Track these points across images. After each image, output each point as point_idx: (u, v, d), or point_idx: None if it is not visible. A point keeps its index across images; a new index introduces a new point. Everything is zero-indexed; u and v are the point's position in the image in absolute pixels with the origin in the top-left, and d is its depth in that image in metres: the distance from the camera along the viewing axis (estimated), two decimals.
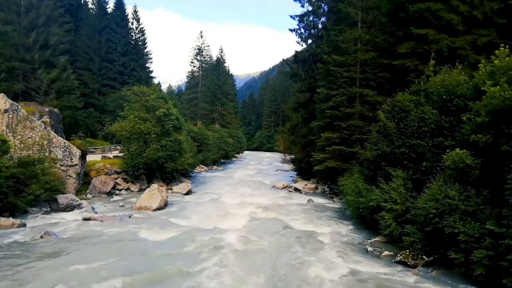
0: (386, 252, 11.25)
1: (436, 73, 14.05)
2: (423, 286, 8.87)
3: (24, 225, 13.40)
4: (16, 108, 18.64)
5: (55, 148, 19.34)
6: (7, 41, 25.80)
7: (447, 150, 10.57)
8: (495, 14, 17.17)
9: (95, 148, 31.37)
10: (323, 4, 29.01)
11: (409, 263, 10.15)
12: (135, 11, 51.04)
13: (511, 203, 8.13)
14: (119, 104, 31.79)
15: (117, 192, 22.22)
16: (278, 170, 42.90)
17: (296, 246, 12.07)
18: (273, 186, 27.38)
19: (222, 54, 70.92)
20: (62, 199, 16.69)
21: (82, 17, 45.71)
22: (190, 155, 29.85)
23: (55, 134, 19.83)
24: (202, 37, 68.85)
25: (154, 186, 19.08)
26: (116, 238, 12.30)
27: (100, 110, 42.91)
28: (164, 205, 18.22)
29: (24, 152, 17.92)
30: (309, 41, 30.89)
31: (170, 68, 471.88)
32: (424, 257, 10.22)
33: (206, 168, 41.54)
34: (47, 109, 22.04)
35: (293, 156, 34.95)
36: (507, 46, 10.41)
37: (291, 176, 34.19)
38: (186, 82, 79.64)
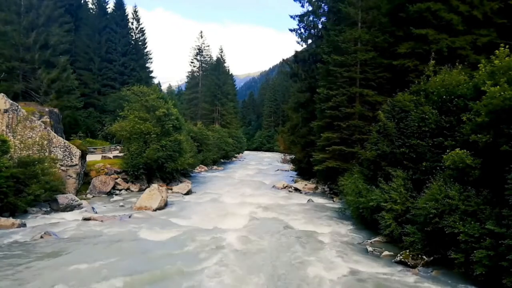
0: (386, 252, 11.25)
1: (436, 73, 14.05)
2: (423, 286, 8.88)
3: (24, 225, 13.40)
4: (16, 108, 18.64)
5: (55, 148, 19.34)
6: (7, 41, 25.80)
7: (447, 150, 10.57)
8: (495, 14, 17.17)
9: (95, 148, 31.37)
10: (323, 4, 29.02)
11: (409, 263, 10.15)
12: (135, 11, 51.09)
13: (511, 203, 8.13)
14: (119, 104, 31.80)
15: (117, 192, 22.22)
16: (278, 170, 42.90)
17: (296, 246, 12.08)
18: (273, 186, 27.38)
19: (222, 54, 71.00)
20: (62, 199, 16.69)
21: (82, 17, 45.72)
22: (190, 155, 29.85)
23: (55, 134, 19.82)
24: (202, 37, 68.94)
25: (154, 186, 19.08)
26: (116, 238, 12.29)
27: (100, 110, 42.91)
28: (164, 205, 18.22)
29: (24, 152, 17.92)
30: (309, 41, 30.91)
31: (170, 68, 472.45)
32: (424, 257, 10.22)
33: (206, 168, 41.54)
34: (47, 109, 22.04)
35: (293, 156, 34.96)
36: (507, 46, 10.41)
37: (291, 176, 34.19)
38: (186, 82, 79.65)
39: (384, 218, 11.96)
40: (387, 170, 13.08)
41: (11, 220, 13.34)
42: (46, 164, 17.09)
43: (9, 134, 17.95)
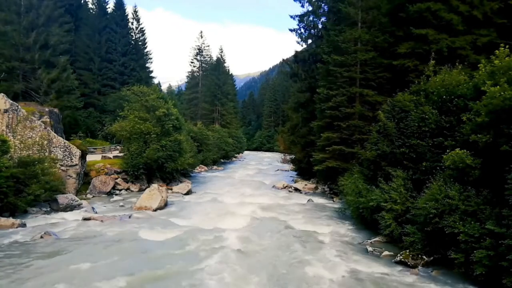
0: (386, 252, 11.25)
1: (436, 73, 14.05)
2: (423, 286, 8.88)
3: (24, 225, 13.40)
4: (16, 108, 18.64)
5: (55, 148, 19.34)
6: (7, 41, 25.80)
7: (447, 150, 10.57)
8: (495, 14, 17.17)
9: (95, 148, 31.37)
10: (323, 4, 29.01)
11: (409, 263, 10.15)
12: (135, 11, 51.09)
13: (511, 203, 8.13)
14: (119, 104, 31.79)
15: (117, 192, 22.22)
16: (278, 170, 42.90)
17: (296, 245, 12.08)
18: (273, 186, 27.38)
19: (222, 54, 70.98)
20: (62, 199, 16.69)
21: (82, 17, 45.72)
22: (190, 155, 29.85)
23: (55, 134, 19.82)
24: (202, 37, 68.92)
25: (154, 186, 19.08)
26: (116, 238, 12.29)
27: (100, 110, 42.91)
28: (164, 205, 18.23)
29: (24, 152, 17.92)
30: (309, 41, 30.89)
31: (170, 68, 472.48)
32: (424, 257, 10.22)
33: (206, 168, 41.54)
34: (47, 109, 22.04)
35: (293, 156, 34.95)
36: (507, 46, 10.42)
37: (291, 176, 34.19)
38: (186, 82, 79.64)
39: (384, 218, 11.96)
40: (387, 170, 13.08)
41: (11, 220, 13.34)
42: (46, 164, 17.09)
43: (9, 134, 17.95)
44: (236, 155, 64.96)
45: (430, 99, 13.07)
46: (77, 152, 19.79)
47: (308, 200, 21.18)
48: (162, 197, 18.15)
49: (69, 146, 19.75)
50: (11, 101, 18.74)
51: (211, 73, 65.97)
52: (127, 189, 23.00)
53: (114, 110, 35.67)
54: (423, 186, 11.20)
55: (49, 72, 27.35)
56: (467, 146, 9.96)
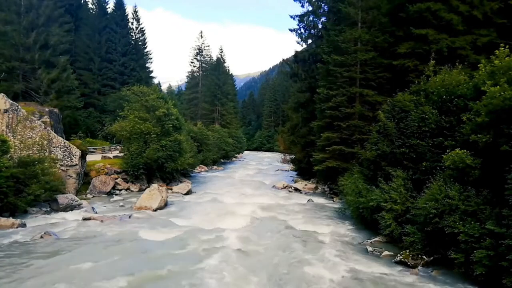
0: (386, 252, 11.25)
1: (436, 73, 14.05)
2: (423, 286, 8.88)
3: (24, 225, 13.41)
4: (16, 108, 18.64)
5: (55, 148, 19.35)
6: (7, 41, 25.80)
7: (447, 150, 10.57)
8: (495, 14, 17.17)
9: (95, 148, 31.37)
10: (323, 4, 29.01)
11: (409, 263, 10.15)
12: (135, 11, 51.08)
13: (511, 203, 8.13)
14: (119, 104, 31.80)
15: (117, 192, 22.22)
16: (278, 170, 42.90)
17: (296, 245, 12.08)
18: (273, 186, 27.38)
19: (222, 54, 70.99)
20: (62, 199, 16.70)
21: (82, 17, 45.72)
22: (190, 155, 29.85)
23: (55, 134, 19.83)
24: (202, 37, 68.94)
25: (154, 186, 19.08)
26: (116, 238, 12.30)
27: (100, 110, 42.91)
28: (164, 205, 18.23)
29: (24, 152, 17.92)
30: (309, 41, 30.89)
31: (170, 68, 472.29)
32: (424, 257, 10.22)
33: (206, 168, 41.54)
34: (47, 109, 22.04)
35: (293, 156, 34.95)
36: (507, 46, 10.41)
37: (291, 176, 34.19)
38: (186, 82, 79.64)
39: (384, 218, 11.96)
40: (387, 170, 13.08)
41: (11, 220, 13.34)
42: (46, 164, 17.09)
43: (9, 134, 17.95)
44: (236, 155, 64.97)
45: (430, 99, 13.07)
46: (77, 152, 19.79)
47: (308, 200, 21.18)
48: (162, 197, 18.15)
49: (69, 146, 19.75)
50: (11, 101, 18.74)
51: (211, 73, 65.97)
52: (127, 189, 23.00)
53: (114, 110, 35.67)
54: (423, 186, 11.20)
55: (49, 72, 27.35)
56: (467, 146, 9.96)
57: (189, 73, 71.42)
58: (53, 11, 29.49)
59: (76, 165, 19.72)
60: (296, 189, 25.77)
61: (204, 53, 69.23)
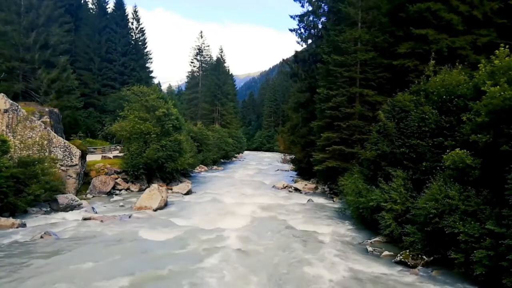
0: (386, 252, 11.25)
1: (436, 73, 14.05)
2: (423, 286, 8.88)
3: (24, 225, 13.41)
4: (16, 108, 18.64)
5: (55, 148, 19.35)
6: (7, 41, 25.81)
7: (447, 150, 10.57)
8: (495, 14, 17.17)
9: (95, 148, 31.37)
10: (323, 4, 29.01)
11: (409, 263, 10.15)
12: (135, 11, 51.09)
13: (511, 203, 8.13)
14: (119, 104, 31.80)
15: (117, 192, 22.22)
16: (278, 170, 42.90)
17: (296, 245, 12.09)
18: (273, 186, 27.38)
19: (222, 54, 70.99)
20: (62, 199, 16.70)
21: (82, 17, 45.72)
22: (190, 155, 29.85)
23: (55, 134, 19.83)
24: (202, 37, 68.94)
25: (154, 186, 19.08)
26: (116, 238, 12.30)
27: (100, 110, 42.91)
28: (164, 205, 18.23)
29: (24, 152, 17.92)
30: (309, 41, 30.89)
31: (170, 68, 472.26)
32: (424, 257, 10.22)
33: (206, 168, 41.54)
34: (47, 109, 22.04)
35: (293, 156, 34.95)
36: (507, 46, 10.41)
37: (291, 176, 34.19)
38: (186, 82, 79.64)
39: (384, 218, 11.95)
40: (387, 170, 13.07)
41: (11, 220, 13.34)
42: (46, 164, 17.09)
43: (9, 134, 17.95)
44: (236, 155, 64.97)
45: (430, 99, 13.07)
46: (77, 152, 19.79)
47: (308, 200, 21.18)
48: (162, 197, 18.15)
49: (69, 146, 19.75)
50: (11, 101, 18.74)
51: (211, 73, 65.98)
52: (127, 189, 23.00)
53: (114, 110, 35.68)
54: (423, 186, 11.20)
55: (49, 72, 27.35)
56: (467, 146, 9.96)
57: (189, 73, 71.45)
58: (53, 11, 29.49)
59: (76, 165, 19.72)
60: (296, 189, 25.77)
61: (204, 53, 69.28)
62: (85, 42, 44.02)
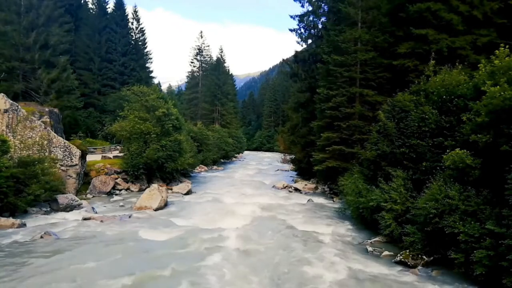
0: (386, 252, 11.25)
1: (436, 73, 14.05)
2: (423, 286, 8.88)
3: (24, 225, 13.41)
4: (16, 108, 18.64)
5: (55, 148, 19.35)
6: (7, 41, 25.80)
7: (447, 150, 10.57)
8: (495, 14, 17.17)
9: (95, 148, 31.37)
10: (323, 4, 29.01)
11: (409, 263, 10.15)
12: (135, 11, 51.08)
13: (511, 203, 8.13)
14: (119, 104, 31.80)
15: (117, 192, 22.22)
16: (278, 170, 42.90)
17: (296, 245, 12.09)
18: (273, 186, 27.38)
19: (222, 54, 71.01)
20: (62, 199, 16.69)
21: (82, 17, 45.72)
22: (190, 155, 29.85)
23: (55, 134, 19.83)
24: (202, 37, 68.94)
25: (154, 186, 19.08)
26: (116, 238, 12.30)
27: (100, 110, 42.91)
28: (164, 205, 18.23)
29: (24, 152, 17.92)
30: (309, 41, 30.89)
31: (170, 68, 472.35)
32: (424, 257, 10.22)
33: (206, 168, 41.54)
34: (47, 109, 22.04)
35: (293, 156, 34.95)
36: (507, 46, 10.41)
37: (291, 176, 34.19)
38: (186, 82, 79.64)
39: (384, 218, 11.96)
40: (387, 170, 13.07)
41: (11, 220, 13.34)
42: (46, 164, 17.08)
43: (9, 134, 17.95)
44: (236, 155, 64.97)
45: (430, 99, 13.07)
46: (77, 152, 19.79)
47: (308, 200, 21.18)
48: (162, 197, 18.15)
49: (69, 146, 19.75)
50: (11, 101, 18.74)
51: (211, 73, 65.98)
52: (127, 189, 23.00)
53: (114, 110, 35.67)
54: (423, 186, 11.20)
55: (49, 72, 27.34)
56: (467, 146, 9.96)
57: (189, 73, 71.45)
58: (53, 11, 29.48)
59: (76, 165, 19.72)
60: (296, 189, 25.77)
61: (204, 53, 69.28)
62: (85, 42, 44.02)
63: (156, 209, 17.35)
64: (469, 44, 16.93)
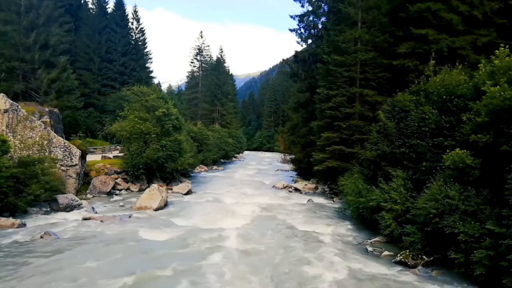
0: (386, 252, 11.25)
1: (436, 73, 14.05)
2: (423, 286, 8.88)
3: (24, 225, 13.41)
4: (16, 108, 18.64)
5: (55, 148, 19.35)
6: (7, 41, 25.81)
7: (447, 150, 10.57)
8: (495, 14, 17.17)
9: (95, 148, 31.37)
10: (323, 4, 29.01)
11: (409, 263, 10.15)
12: (135, 11, 51.10)
13: (511, 203, 8.13)
14: (119, 104, 31.79)
15: (117, 192, 22.22)
16: (278, 170, 42.91)
17: (296, 245, 12.08)
18: (273, 186, 27.39)
19: (222, 54, 71.03)
20: (62, 199, 16.69)
21: (82, 17, 45.73)
22: (190, 155, 29.85)
23: (55, 134, 19.83)
24: (202, 37, 68.95)
25: (154, 186, 19.08)
26: (116, 238, 12.30)
27: (100, 110, 42.92)
28: (164, 205, 18.23)
29: (24, 152, 17.92)
30: (309, 41, 30.90)
31: (170, 68, 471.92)
32: (424, 257, 10.22)
33: (206, 168, 41.54)
34: (47, 109, 22.04)
35: (293, 156, 34.96)
36: (507, 46, 10.41)
37: (291, 176, 34.19)
38: (186, 82, 79.65)
39: (384, 218, 11.96)
40: (387, 170, 13.07)
41: (11, 220, 13.34)
42: (46, 164, 17.08)
43: (9, 134, 17.95)
44: (236, 155, 64.97)
45: (430, 99, 13.07)
46: (77, 152, 19.79)
47: (308, 200, 21.18)
48: (162, 197, 18.15)
49: (69, 146, 19.75)
50: (11, 101, 18.74)
51: (211, 73, 65.99)
52: (127, 189, 23.00)
53: (114, 110, 35.67)
54: (423, 186, 11.20)
55: (49, 72, 27.35)
56: (467, 146, 9.96)
57: (189, 73, 71.46)
58: (53, 11, 29.49)
59: (76, 165, 19.72)
60: (296, 189, 25.77)
61: (204, 53, 69.29)
62: (85, 42, 44.02)
63: (156, 209, 17.35)
64: (469, 44, 16.93)
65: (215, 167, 45.02)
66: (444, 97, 12.33)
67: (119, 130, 25.05)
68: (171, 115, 25.68)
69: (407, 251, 10.58)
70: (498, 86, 9.18)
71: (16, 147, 17.70)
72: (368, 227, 13.94)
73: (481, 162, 9.51)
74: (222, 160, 53.04)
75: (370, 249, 11.72)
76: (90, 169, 22.39)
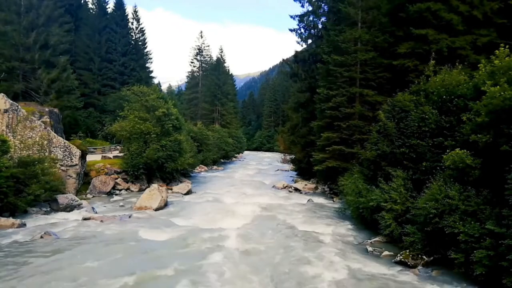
0: (386, 252, 11.25)
1: (436, 73, 14.05)
2: (423, 286, 8.88)
3: (24, 225, 13.41)
4: (16, 108, 18.64)
5: (55, 148, 19.35)
6: (7, 41, 25.81)
7: (447, 150, 10.57)
8: (495, 14, 17.17)
9: (95, 148, 31.37)
10: (323, 4, 29.02)
11: (409, 263, 10.15)
12: (135, 11, 51.10)
13: (511, 203, 8.13)
14: (119, 104, 31.80)
15: (117, 192, 22.22)
16: (278, 170, 42.91)
17: (296, 245, 12.08)
18: (273, 186, 27.39)
19: (222, 54, 71.03)
20: (62, 199, 16.69)
21: (82, 17, 45.73)
22: (190, 155, 29.85)
23: (55, 134, 19.83)
24: (202, 37, 68.95)
25: (154, 186, 19.08)
26: (116, 238, 12.30)
27: (100, 110, 42.92)
28: (164, 205, 18.23)
29: (24, 152, 17.92)
30: (309, 41, 30.90)
31: (170, 68, 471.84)
32: (424, 257, 10.22)
33: (206, 168, 41.54)
34: (47, 109, 22.04)
35: (293, 156, 34.96)
36: (507, 46, 10.41)
37: (291, 176, 34.20)
38: (186, 82, 79.66)
39: (384, 218, 11.96)
40: (387, 170, 13.07)
41: (11, 220, 13.35)
42: (46, 164, 17.08)
43: (9, 134, 17.95)
44: (236, 155, 64.97)
45: (430, 99, 13.07)
46: (77, 152, 19.79)
47: (308, 200, 21.18)
48: (162, 197, 18.15)
49: (69, 146, 19.75)
50: (11, 101, 18.74)
51: (211, 73, 66.00)
52: (127, 189, 23.00)
53: (114, 110, 35.67)
54: (423, 186, 11.20)
55: (49, 72, 27.35)
56: (467, 146, 9.96)
57: (189, 73, 71.47)
58: (53, 11, 29.49)
59: (76, 165, 19.72)
60: (296, 189, 25.77)
61: (204, 53, 69.30)
62: (85, 42, 44.03)
63: (156, 209, 17.35)
64: (469, 44, 16.93)
65: (215, 167, 45.02)
66: (444, 97, 12.33)
67: (119, 130, 25.06)
68: (171, 115, 25.68)
69: (407, 251, 10.58)
70: (498, 86, 9.18)
71: (16, 147, 17.70)
72: (368, 227, 13.94)
73: (481, 162, 9.51)
74: (222, 160, 53.05)
75: (370, 249, 11.72)
76: (90, 169, 22.39)
